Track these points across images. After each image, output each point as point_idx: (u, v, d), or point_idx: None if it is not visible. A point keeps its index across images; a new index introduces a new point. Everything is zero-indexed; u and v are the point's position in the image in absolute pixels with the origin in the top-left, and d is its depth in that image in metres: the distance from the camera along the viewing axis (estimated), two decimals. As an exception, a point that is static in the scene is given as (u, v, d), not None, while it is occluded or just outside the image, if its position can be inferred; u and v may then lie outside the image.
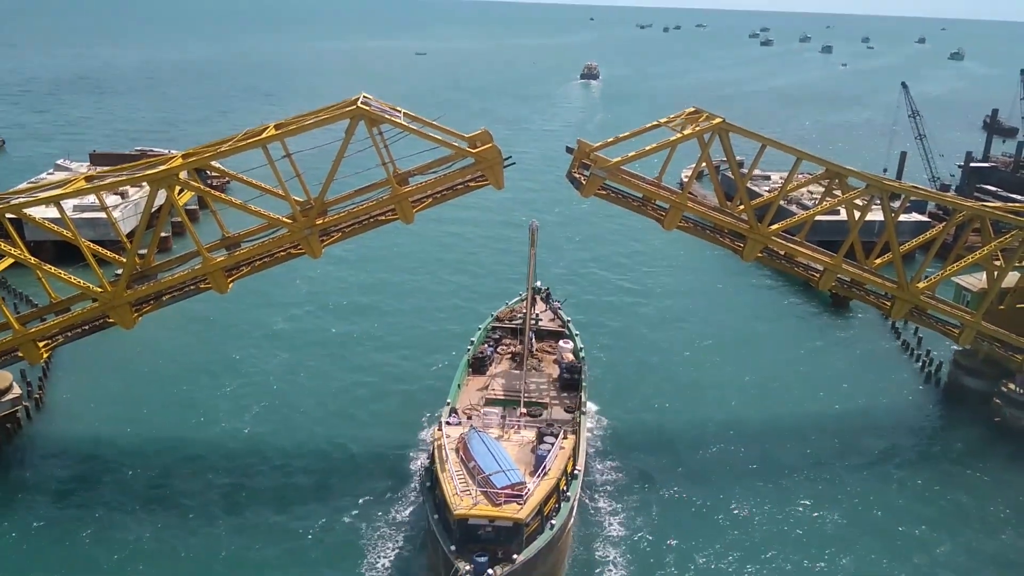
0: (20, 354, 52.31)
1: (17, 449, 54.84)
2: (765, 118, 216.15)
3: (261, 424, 59.19)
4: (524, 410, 50.27)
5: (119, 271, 52.74)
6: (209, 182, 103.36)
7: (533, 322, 59.83)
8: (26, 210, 51.69)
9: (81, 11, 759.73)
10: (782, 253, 59.26)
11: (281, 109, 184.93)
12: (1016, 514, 51.76)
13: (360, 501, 50.17)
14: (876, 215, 73.37)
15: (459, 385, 54.03)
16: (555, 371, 56.78)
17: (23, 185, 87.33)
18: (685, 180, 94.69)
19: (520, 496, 39.84)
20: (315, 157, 56.62)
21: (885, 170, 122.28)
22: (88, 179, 54.10)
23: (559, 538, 41.32)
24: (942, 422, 63.87)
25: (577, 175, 56.86)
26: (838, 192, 60.28)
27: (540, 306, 66.92)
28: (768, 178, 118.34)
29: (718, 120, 55.94)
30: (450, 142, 53.26)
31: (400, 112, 53.27)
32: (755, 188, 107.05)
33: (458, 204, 65.77)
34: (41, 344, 52.43)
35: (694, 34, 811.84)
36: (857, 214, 59.68)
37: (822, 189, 68.81)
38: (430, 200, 54.06)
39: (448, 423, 47.18)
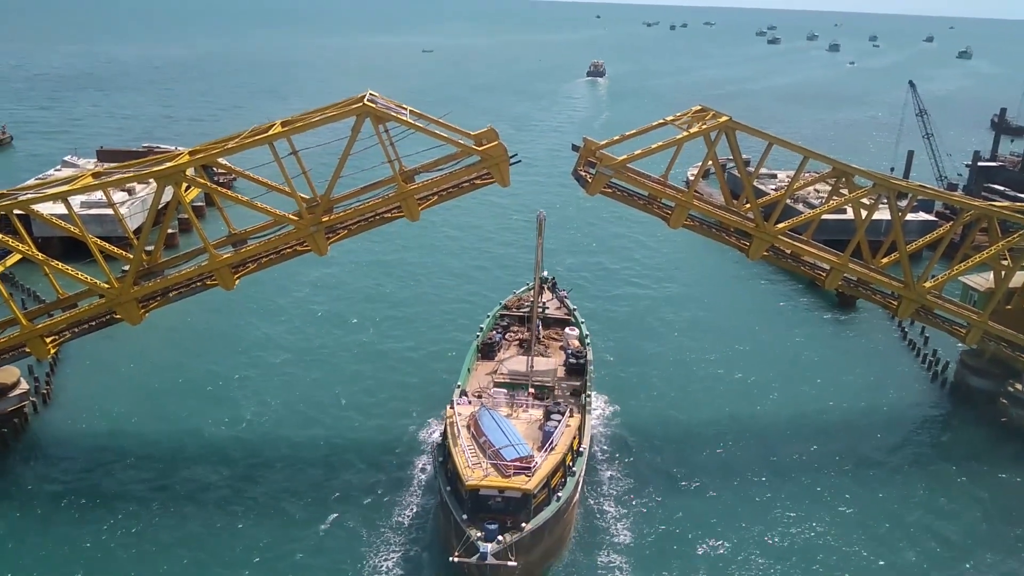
0: (27, 350, 52.53)
1: (24, 444, 55.13)
2: (772, 116, 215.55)
3: (273, 415, 59.42)
4: (532, 390, 52.27)
5: (126, 267, 52.90)
6: (216, 179, 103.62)
7: (540, 310, 61.60)
8: (33, 206, 51.90)
9: (86, 8, 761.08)
10: (788, 252, 59.14)
11: (287, 106, 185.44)
12: (1022, 514, 51.57)
13: (371, 484, 51.04)
14: (883, 214, 73.19)
15: (469, 369, 56.06)
16: (561, 357, 58.73)
17: (31, 181, 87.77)
18: (691, 178, 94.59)
19: (528, 468, 41.91)
20: (321, 154, 56.70)
21: (892, 169, 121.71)
22: (95, 175, 54.28)
23: (565, 510, 43.57)
24: (948, 422, 63.70)
25: (583, 173, 56.84)
26: (845, 191, 60.13)
27: (547, 295, 68.69)
28: (774, 176, 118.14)
29: (724, 118, 55.82)
30: (456, 140, 53.23)
31: (406, 109, 53.27)
32: (761, 186, 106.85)
33: (463, 201, 66.45)
34: (48, 340, 52.66)
35: (701, 32, 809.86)
36: (864, 213, 59.51)
37: (829, 188, 68.67)
38: (436, 198, 54.08)
39: (459, 402, 49.27)
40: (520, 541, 39.58)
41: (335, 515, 48.53)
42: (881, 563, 46.69)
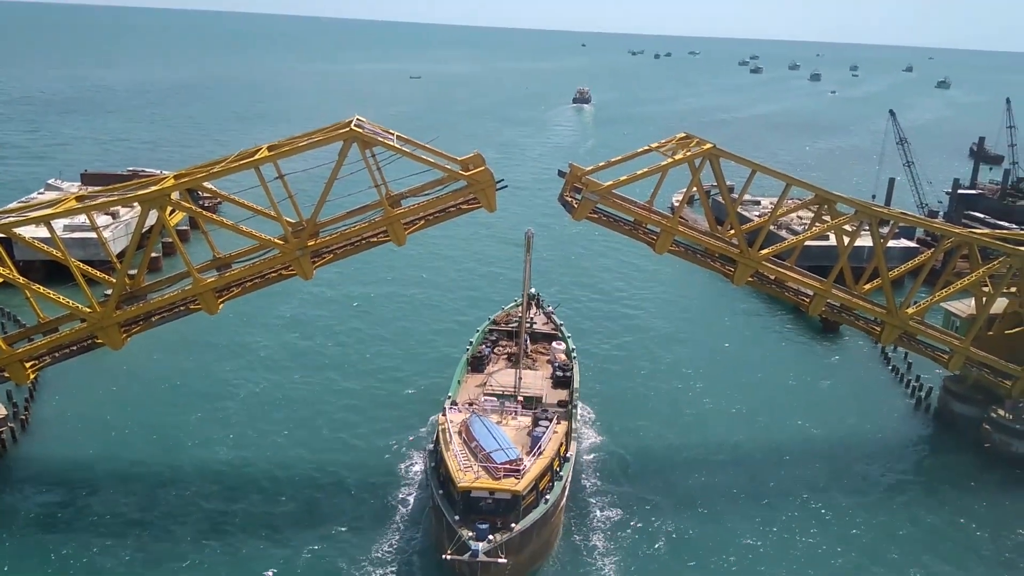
0: (6, 374, 51.84)
1: (1, 470, 54.08)
2: (755, 144, 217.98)
3: (251, 442, 58.71)
4: (521, 398, 54.19)
5: (109, 291, 52.42)
6: (201, 203, 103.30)
7: (528, 325, 63.05)
8: (15, 229, 51.45)
9: (72, 32, 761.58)
10: (772, 278, 59.52)
11: (274, 131, 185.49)
12: (1006, 540, 51.69)
13: (361, 495, 52.51)
14: (865, 241, 73.90)
15: (459, 381, 58.01)
16: (548, 370, 60.74)
17: (13, 204, 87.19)
18: (676, 204, 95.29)
19: (518, 471, 43.81)
20: (308, 179, 56.71)
21: (874, 196, 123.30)
22: (79, 199, 53.94)
23: (553, 513, 45.40)
24: (932, 448, 63.93)
25: (569, 198, 57.13)
26: (827, 218, 60.73)
27: (534, 310, 70.82)
28: (758, 203, 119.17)
29: (708, 145, 56.40)
30: (443, 165, 53.45)
31: (393, 135, 53.45)
32: (745, 213, 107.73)
33: (449, 226, 66.92)
34: (28, 364, 51.96)
35: (685, 61, 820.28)
36: (846, 240, 60.08)
37: (811, 214, 69.34)
38: (422, 222, 54.14)
39: (451, 410, 51.08)
40: (510, 541, 41.07)
41: (322, 529, 48.81)
42: (867, 590, 46.58)
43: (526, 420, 50.74)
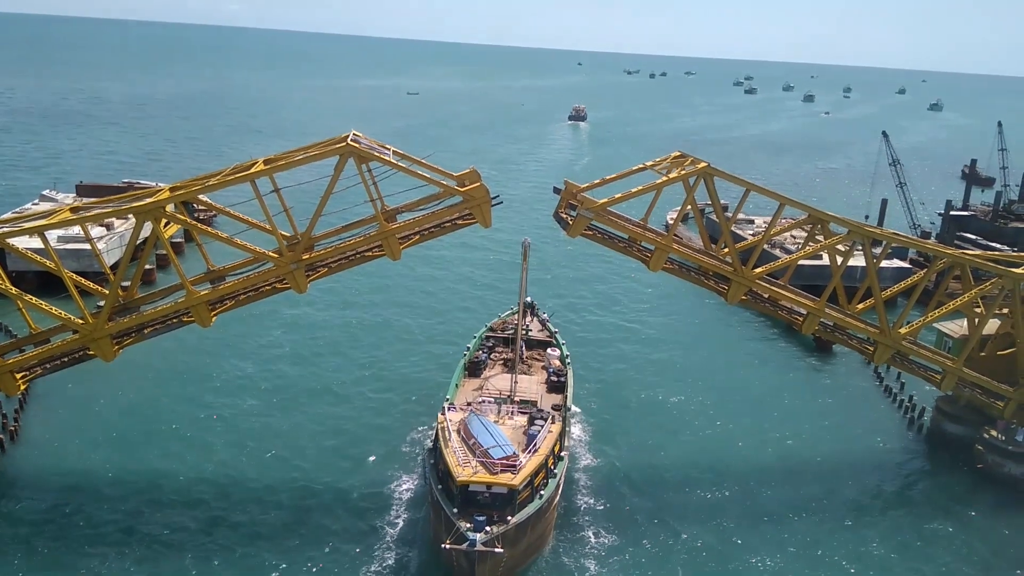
0: (-4, 385, 51.47)
1: (-11, 483, 53.68)
2: (749, 163, 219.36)
3: (248, 451, 58.48)
4: (517, 399, 56.16)
5: (101, 303, 52.25)
6: (196, 215, 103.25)
7: (524, 332, 65.01)
8: (9, 240, 51.35)
9: (68, 44, 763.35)
10: (766, 296, 59.69)
11: (270, 144, 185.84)
12: (999, 561, 51.59)
13: (355, 505, 53.15)
14: (858, 260, 74.29)
15: (456, 385, 59.85)
16: (543, 375, 62.58)
17: (7, 215, 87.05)
18: (670, 222, 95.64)
19: (514, 467, 45.44)
20: (303, 193, 56.85)
21: (867, 216, 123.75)
22: (73, 210, 53.93)
23: (547, 509, 47.09)
24: (925, 468, 63.89)
25: (564, 215, 57.32)
26: (821, 237, 61.02)
27: (530, 318, 72.74)
28: (752, 222, 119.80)
29: (703, 164, 56.74)
30: (438, 180, 53.63)
31: (389, 150, 53.66)
32: (739, 232, 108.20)
33: (446, 241, 67.40)
34: (19, 375, 51.70)
35: (680, 80, 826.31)
36: (839, 259, 60.38)
37: (805, 234, 69.67)
38: (417, 237, 54.23)
39: (450, 410, 52.62)
40: (506, 533, 42.56)
41: (321, 529, 49.36)
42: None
43: (522, 420, 52.52)
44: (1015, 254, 66.01)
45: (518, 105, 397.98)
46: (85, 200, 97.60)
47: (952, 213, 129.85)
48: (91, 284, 55.24)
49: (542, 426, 50.63)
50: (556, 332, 71.68)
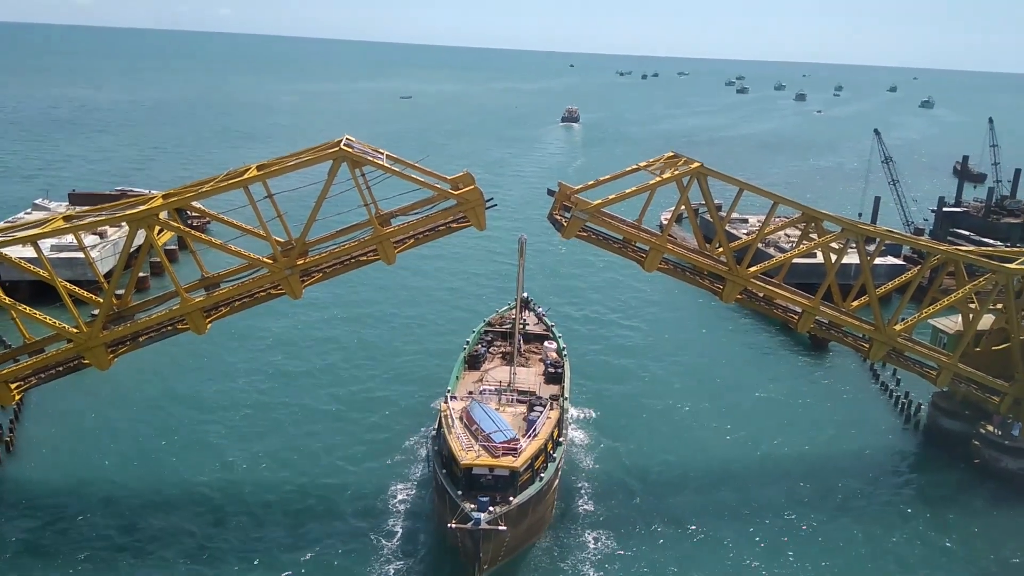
0: (-9, 396, 51.20)
1: (-15, 493, 53.41)
2: (742, 163, 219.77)
3: (244, 455, 58.46)
4: (516, 388, 57.81)
5: (95, 311, 52.07)
6: (189, 222, 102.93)
7: (521, 326, 66.26)
8: (1, 249, 51.09)
9: (58, 53, 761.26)
10: (761, 295, 59.79)
11: (263, 150, 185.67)
12: (996, 556, 51.71)
13: (360, 494, 54.62)
14: (852, 258, 74.45)
15: (457, 377, 61.46)
16: (541, 367, 64.09)
17: None
18: (665, 223, 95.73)
19: (515, 450, 47.35)
20: (297, 198, 56.81)
21: (860, 214, 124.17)
22: (66, 218, 53.73)
23: (547, 491, 49.06)
24: (921, 464, 64.02)
25: (558, 217, 57.36)
26: (815, 235, 61.16)
27: (526, 313, 74.04)
28: (746, 221, 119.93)
29: (696, 164, 56.82)
30: (432, 184, 53.59)
31: (383, 154, 53.60)
32: (733, 231, 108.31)
33: (441, 244, 67.96)
34: (13, 386, 51.45)
35: (672, 81, 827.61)
36: (833, 257, 60.49)
37: (799, 232, 69.81)
38: (412, 241, 54.20)
39: (453, 397, 54.69)
40: (508, 512, 44.20)
41: (326, 519, 51.10)
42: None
43: (521, 408, 54.43)
44: (1008, 249, 66.32)
45: (511, 108, 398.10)
46: (78, 208, 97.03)
47: (945, 209, 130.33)
48: (85, 293, 55.06)
49: (541, 412, 52.55)
50: (552, 326, 73.31)
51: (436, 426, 53.55)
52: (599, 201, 56.07)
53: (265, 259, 52.59)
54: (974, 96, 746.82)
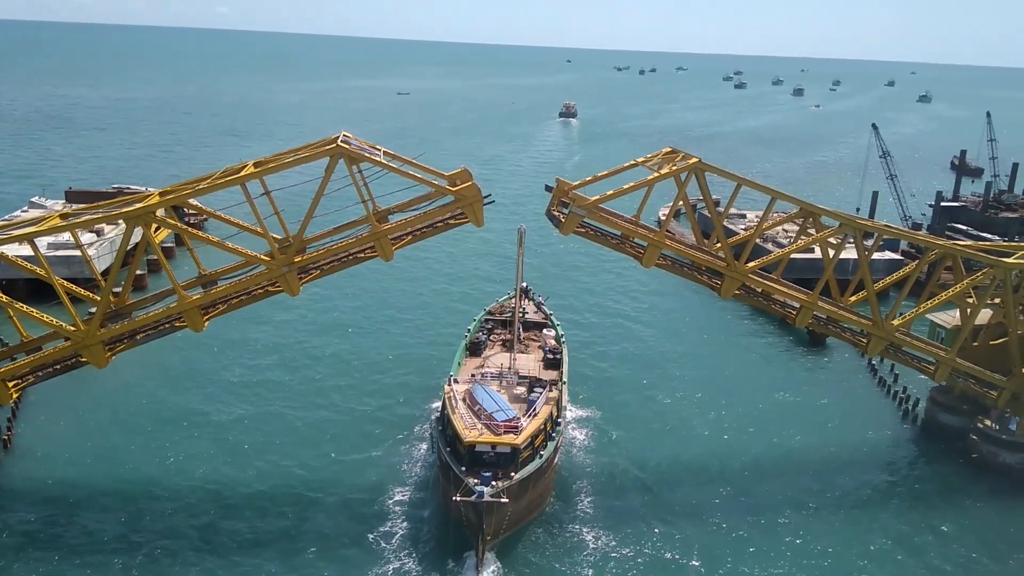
0: (-12, 394, 51.10)
1: (-17, 492, 53.35)
2: (740, 158, 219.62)
3: (241, 456, 58.29)
4: (516, 372, 59.72)
5: (93, 309, 52.02)
6: (187, 219, 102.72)
7: (521, 314, 67.94)
8: (-2, 247, 50.97)
9: (53, 50, 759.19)
10: (759, 290, 59.75)
11: (260, 147, 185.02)
12: (993, 550, 51.83)
13: (364, 474, 56.49)
14: (850, 253, 74.42)
15: (459, 363, 63.18)
16: (540, 354, 65.81)
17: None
18: (663, 218, 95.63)
19: (516, 429, 49.68)
20: (294, 195, 56.75)
21: (858, 209, 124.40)
22: (63, 216, 53.57)
23: (546, 468, 51.16)
24: (919, 458, 64.11)
25: (556, 213, 57.27)
26: (812, 231, 61.13)
27: (525, 302, 75.62)
28: (744, 216, 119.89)
29: (694, 160, 56.73)
30: (430, 180, 53.47)
31: (380, 150, 53.44)
32: (731, 226, 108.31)
33: (440, 239, 68.39)
34: (11, 384, 51.34)
35: (671, 76, 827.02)
36: (831, 252, 60.48)
37: (797, 228, 69.79)
38: (410, 237, 54.11)
39: (456, 381, 56.72)
40: (510, 487, 46.24)
41: (328, 507, 52.23)
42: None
43: (522, 390, 56.58)
44: (1006, 244, 66.33)
45: (508, 103, 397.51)
46: (75, 206, 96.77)
47: (943, 204, 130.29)
48: (82, 291, 54.92)
49: (540, 394, 54.72)
50: (551, 314, 75.06)
51: (440, 407, 55.50)
52: (597, 197, 55.96)
53: (262, 256, 52.51)
54: (972, 91, 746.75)
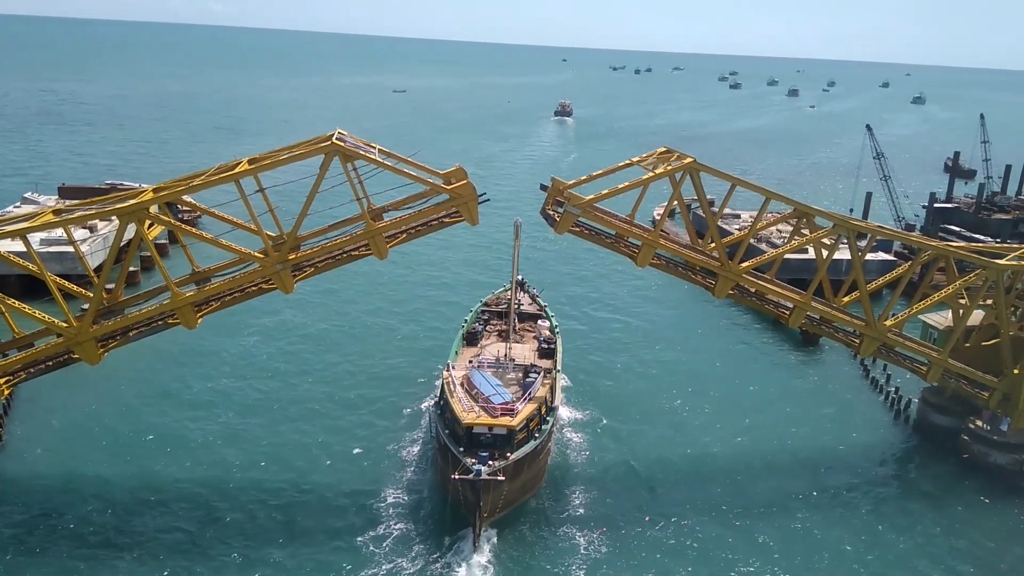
0: (-20, 390, 50.90)
1: (-27, 489, 53.10)
2: (734, 158, 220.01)
3: (237, 455, 58.12)
4: (512, 359, 61.52)
5: (86, 306, 51.81)
6: (180, 216, 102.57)
7: (516, 306, 69.84)
8: (-9, 243, 50.82)
9: (45, 45, 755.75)
10: (753, 290, 59.91)
11: (255, 144, 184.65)
12: (984, 551, 52.05)
13: (362, 463, 57.49)
14: (843, 254, 74.72)
15: (456, 352, 64.70)
16: (535, 344, 67.03)
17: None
18: (657, 218, 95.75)
19: (512, 411, 51.62)
20: (288, 192, 56.68)
21: (851, 210, 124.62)
22: (56, 212, 53.37)
23: (541, 450, 53.07)
24: (911, 459, 64.36)
25: (551, 212, 57.28)
26: (806, 231, 61.30)
27: (521, 294, 76.98)
28: (738, 216, 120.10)
29: (689, 160, 56.81)
30: (425, 178, 53.44)
31: (375, 148, 53.41)
32: (725, 226, 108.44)
33: (433, 237, 68.54)
34: (2, 380, 51.14)
35: (666, 76, 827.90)
36: (825, 253, 60.65)
37: (791, 228, 69.96)
38: (404, 236, 54.05)
39: (454, 368, 58.33)
40: (506, 467, 47.84)
41: (327, 494, 53.14)
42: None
43: (518, 374, 58.25)
44: (998, 245, 66.63)
45: (504, 102, 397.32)
46: (68, 202, 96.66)
47: (936, 205, 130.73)
48: (75, 287, 54.66)
49: (535, 378, 56.34)
50: (546, 306, 76.74)
51: (439, 392, 57.29)
52: (592, 196, 56.01)
53: (256, 254, 52.39)
54: (966, 92, 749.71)
